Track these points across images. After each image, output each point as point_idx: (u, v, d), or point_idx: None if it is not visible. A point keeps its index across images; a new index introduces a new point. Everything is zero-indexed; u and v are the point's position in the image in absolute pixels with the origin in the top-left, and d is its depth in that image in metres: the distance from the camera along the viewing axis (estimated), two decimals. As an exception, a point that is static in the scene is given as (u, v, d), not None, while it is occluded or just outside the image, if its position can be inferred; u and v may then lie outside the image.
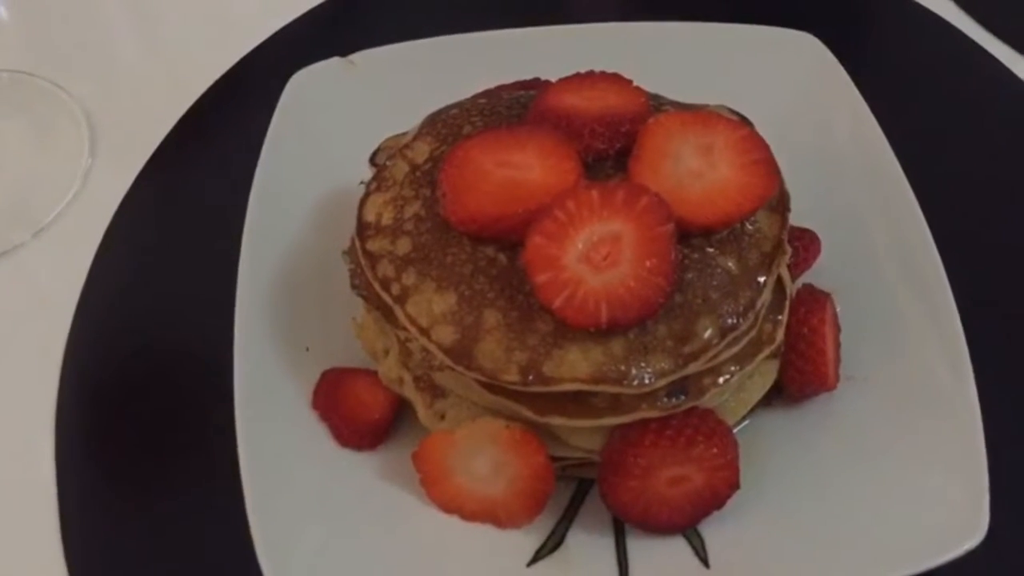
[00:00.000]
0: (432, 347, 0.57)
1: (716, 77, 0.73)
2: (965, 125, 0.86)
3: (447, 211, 0.58)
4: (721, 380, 0.58)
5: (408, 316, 0.58)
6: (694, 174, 0.57)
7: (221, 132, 0.87)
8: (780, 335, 0.61)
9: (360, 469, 0.64)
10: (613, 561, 0.60)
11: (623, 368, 0.55)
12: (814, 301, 0.64)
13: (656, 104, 0.64)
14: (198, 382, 0.71)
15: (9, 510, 0.68)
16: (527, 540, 0.61)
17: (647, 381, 0.55)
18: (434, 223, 0.59)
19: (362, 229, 0.62)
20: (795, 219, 0.63)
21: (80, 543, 0.66)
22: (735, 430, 0.61)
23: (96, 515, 0.67)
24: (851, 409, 0.64)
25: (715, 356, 0.57)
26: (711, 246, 0.58)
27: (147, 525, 0.67)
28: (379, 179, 0.64)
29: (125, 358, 0.74)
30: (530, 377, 0.55)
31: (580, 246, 0.54)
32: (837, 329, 0.65)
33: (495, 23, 0.81)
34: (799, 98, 0.76)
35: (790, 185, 0.62)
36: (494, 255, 0.57)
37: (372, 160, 0.67)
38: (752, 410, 0.64)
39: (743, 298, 0.57)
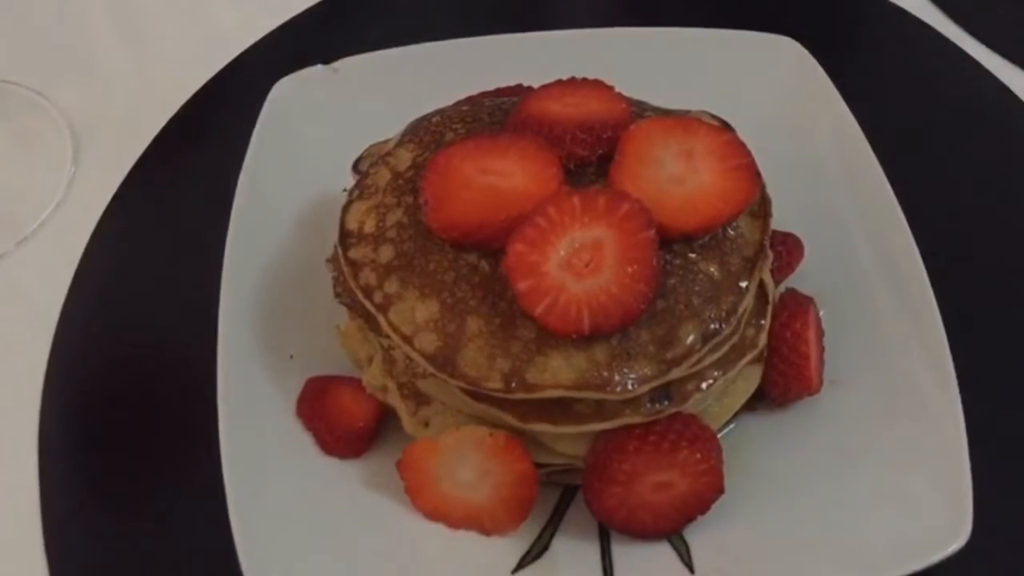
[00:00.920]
0: (415, 355, 0.57)
1: (697, 82, 0.74)
2: (946, 128, 0.86)
3: (429, 218, 0.58)
4: (704, 385, 0.58)
5: (391, 324, 0.58)
6: (676, 180, 0.57)
7: (204, 140, 0.87)
8: (763, 340, 0.61)
9: (344, 477, 0.64)
10: (598, 567, 0.60)
11: (606, 374, 0.55)
12: (797, 306, 0.64)
13: (638, 110, 0.64)
14: (182, 390, 0.71)
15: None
16: (512, 547, 0.61)
17: (630, 387, 0.55)
18: (416, 230, 0.59)
19: (344, 237, 0.62)
20: (777, 223, 0.63)
21: (62, 551, 0.66)
22: (719, 435, 0.61)
23: (79, 522, 0.67)
24: (834, 413, 0.64)
25: (698, 361, 0.57)
26: (693, 252, 0.58)
27: (130, 533, 0.66)
28: (361, 187, 0.64)
29: (108, 366, 0.74)
30: (513, 384, 0.55)
31: (562, 253, 0.54)
32: (820, 333, 0.65)
33: (477, 30, 0.81)
34: (780, 103, 0.77)
35: (772, 190, 0.63)
36: (476, 262, 0.57)
37: (355, 167, 0.67)
38: (736, 415, 0.64)
39: (725, 303, 0.58)
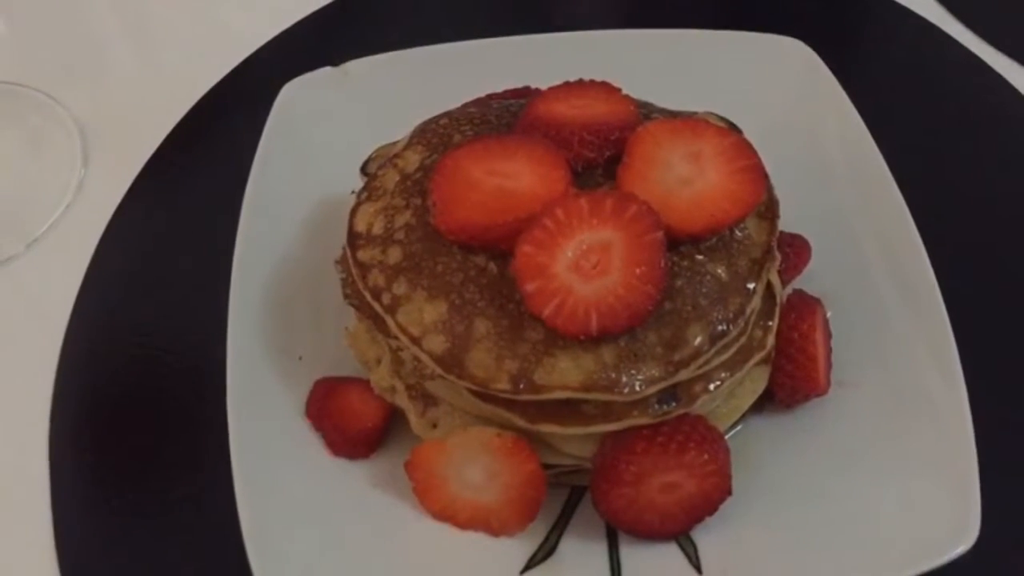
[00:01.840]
0: (423, 356, 0.58)
1: (705, 84, 0.74)
2: (954, 129, 0.86)
3: (437, 220, 0.58)
4: (712, 387, 0.58)
5: (399, 325, 0.58)
6: (683, 181, 0.58)
7: (213, 142, 0.87)
8: (771, 341, 0.61)
9: (353, 478, 0.64)
10: (606, 568, 0.60)
11: (614, 376, 0.55)
12: (804, 307, 0.64)
13: (645, 112, 0.64)
14: (191, 392, 0.71)
15: (3, 518, 0.68)
16: (520, 548, 0.61)
17: (638, 388, 0.55)
18: (424, 232, 0.60)
19: (353, 238, 0.62)
20: (784, 225, 0.63)
21: (74, 552, 0.66)
22: (727, 436, 0.62)
23: (90, 524, 0.67)
24: (842, 414, 0.64)
25: (705, 363, 0.57)
26: (700, 253, 0.58)
27: (140, 535, 0.66)
28: (370, 188, 0.64)
29: (119, 368, 0.74)
30: (521, 385, 0.55)
31: (569, 255, 0.54)
32: (828, 334, 0.65)
33: (485, 32, 0.81)
34: (788, 104, 0.76)
35: (779, 191, 0.63)
36: (484, 264, 0.58)
37: (363, 169, 0.68)
38: (743, 416, 0.64)
39: (733, 305, 0.58)
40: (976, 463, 0.58)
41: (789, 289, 0.67)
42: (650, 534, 0.60)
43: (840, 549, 0.58)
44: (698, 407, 0.58)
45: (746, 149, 0.59)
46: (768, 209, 0.62)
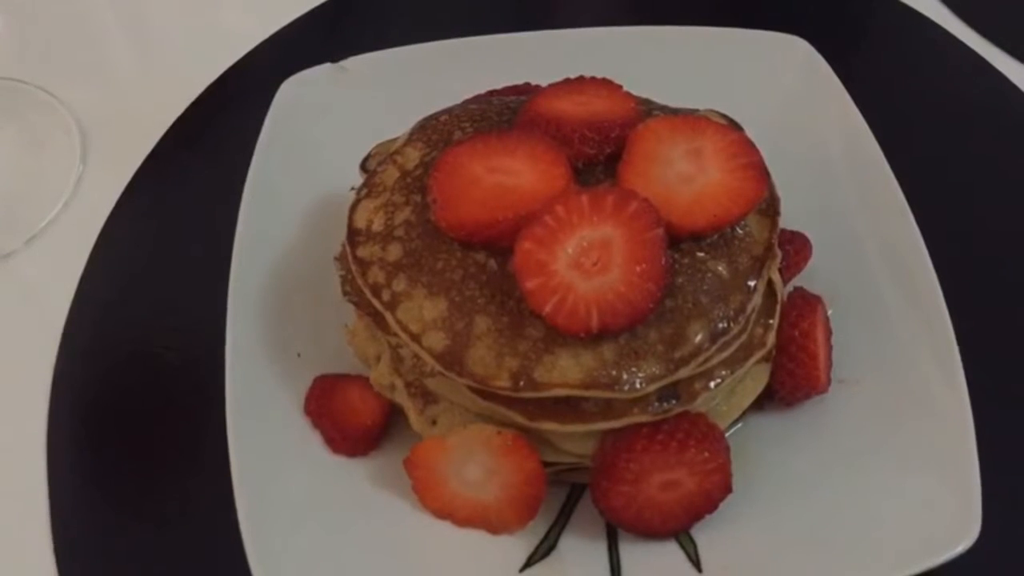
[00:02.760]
0: (423, 353, 0.57)
1: (706, 81, 0.74)
2: (956, 128, 0.86)
3: (437, 217, 0.58)
4: (712, 384, 0.58)
5: (399, 322, 0.58)
6: (684, 179, 0.57)
7: (212, 139, 0.87)
8: (771, 339, 0.61)
9: (352, 475, 0.64)
10: (606, 566, 0.60)
11: (614, 373, 0.55)
12: (805, 304, 0.64)
13: (646, 109, 0.64)
14: (190, 389, 0.71)
15: (1, 515, 0.68)
16: (520, 545, 0.61)
17: (638, 386, 0.55)
18: (424, 229, 0.59)
19: (352, 235, 0.62)
20: (786, 222, 0.63)
21: (72, 552, 0.66)
22: (727, 434, 0.61)
23: (88, 522, 0.67)
24: (843, 412, 0.64)
25: (706, 360, 0.57)
26: (701, 250, 0.58)
27: (139, 533, 0.66)
28: (369, 185, 0.64)
29: (117, 365, 0.74)
30: (521, 383, 0.55)
31: (570, 252, 0.54)
32: (828, 332, 0.65)
33: (485, 28, 0.81)
34: (789, 102, 0.76)
35: (781, 188, 0.63)
36: (484, 261, 0.57)
37: (363, 166, 0.67)
38: (744, 414, 0.64)
39: (734, 302, 0.57)
40: (977, 461, 0.58)
41: (790, 287, 0.67)
42: (650, 532, 0.60)
43: (840, 546, 0.58)
44: (698, 405, 0.58)
45: (747, 146, 0.59)
46: (769, 206, 0.61)
